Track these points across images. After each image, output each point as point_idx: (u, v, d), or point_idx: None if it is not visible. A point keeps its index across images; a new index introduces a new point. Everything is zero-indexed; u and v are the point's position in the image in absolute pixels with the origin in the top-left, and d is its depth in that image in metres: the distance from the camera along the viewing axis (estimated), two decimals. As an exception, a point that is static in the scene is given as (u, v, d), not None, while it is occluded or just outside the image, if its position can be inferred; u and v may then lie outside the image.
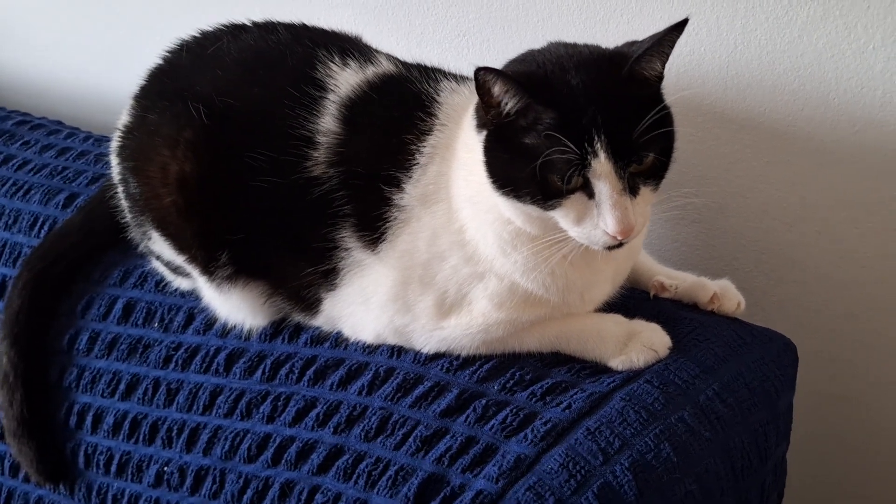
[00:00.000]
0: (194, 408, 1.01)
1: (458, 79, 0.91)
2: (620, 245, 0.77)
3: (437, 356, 0.90)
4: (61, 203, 1.26)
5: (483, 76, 0.74)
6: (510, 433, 0.82)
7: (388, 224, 0.86)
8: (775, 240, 1.10)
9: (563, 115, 0.73)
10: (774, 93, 1.05)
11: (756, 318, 0.95)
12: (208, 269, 0.94)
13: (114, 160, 1.01)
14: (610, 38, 0.86)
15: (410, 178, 0.85)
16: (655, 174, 0.77)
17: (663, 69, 0.78)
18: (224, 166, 0.90)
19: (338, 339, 0.96)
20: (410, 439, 0.86)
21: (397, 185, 0.85)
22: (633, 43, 0.79)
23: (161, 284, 1.11)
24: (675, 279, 0.94)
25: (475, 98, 0.85)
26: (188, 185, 0.90)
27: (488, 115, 0.78)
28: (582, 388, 0.84)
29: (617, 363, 0.86)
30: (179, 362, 1.04)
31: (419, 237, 0.86)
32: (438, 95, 0.88)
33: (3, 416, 1.11)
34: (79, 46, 1.63)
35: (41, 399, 1.12)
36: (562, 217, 0.76)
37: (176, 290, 1.09)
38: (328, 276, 0.90)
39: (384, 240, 0.87)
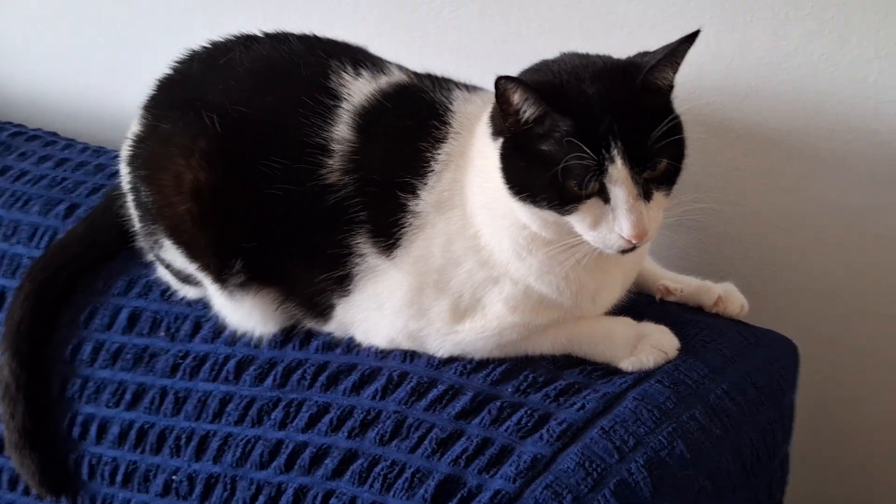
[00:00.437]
0: (203, 416, 1.01)
1: (470, 88, 0.94)
2: (633, 249, 0.80)
3: (450, 360, 0.91)
4: (62, 214, 1.26)
5: (504, 84, 0.76)
6: (525, 434, 0.84)
7: (403, 230, 0.87)
8: (771, 246, 1.13)
9: (580, 123, 0.76)
10: (771, 103, 1.08)
11: (755, 320, 0.98)
12: (221, 277, 0.95)
13: (124, 169, 1.01)
14: (610, 52, 0.89)
15: (426, 184, 0.87)
16: (668, 180, 0.79)
17: (674, 79, 0.81)
18: (238, 175, 0.91)
19: (350, 345, 0.97)
20: (426, 442, 0.87)
21: (413, 191, 0.87)
22: (646, 54, 0.82)
23: (167, 294, 1.11)
24: (680, 283, 0.96)
25: (487, 107, 0.87)
26: (203, 194, 0.91)
27: (506, 123, 0.80)
28: (595, 388, 0.86)
29: (627, 364, 0.88)
30: (188, 371, 1.04)
31: (434, 243, 0.87)
32: (452, 104, 0.89)
33: (4, 428, 1.10)
34: (72, 58, 1.63)
35: (43, 411, 1.12)
36: (578, 222, 0.78)
37: (182, 299, 1.10)
38: (342, 282, 0.91)
39: (399, 245, 0.88)
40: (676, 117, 0.79)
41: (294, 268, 0.93)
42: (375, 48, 1.04)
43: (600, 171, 0.76)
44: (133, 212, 1.03)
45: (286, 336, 1.01)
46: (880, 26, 0.99)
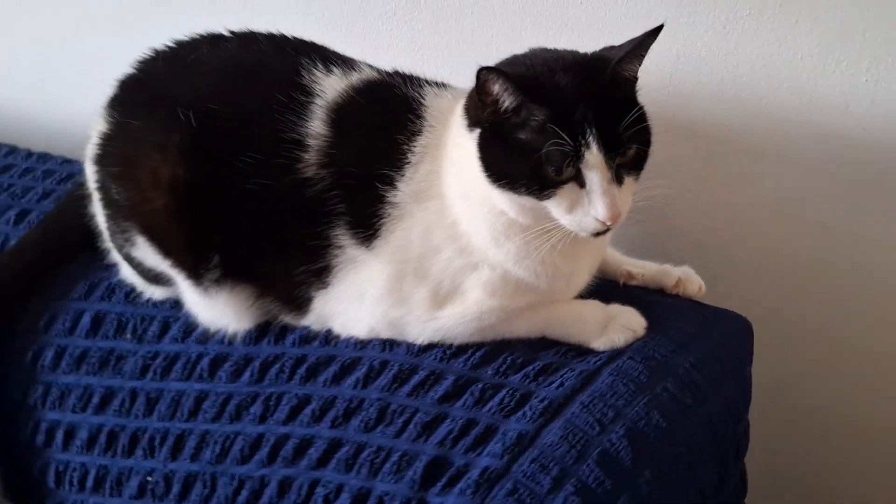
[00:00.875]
0: (178, 415, 1.00)
1: (439, 85, 0.97)
2: (606, 231, 0.84)
3: (429, 347, 0.94)
4: (12, 220, 1.23)
5: (485, 75, 0.79)
6: (508, 413, 0.87)
7: (381, 221, 0.90)
8: (716, 235, 1.20)
9: (556, 113, 0.80)
10: (713, 100, 1.15)
11: (710, 300, 1.04)
12: (196, 273, 0.95)
13: (90, 168, 1.00)
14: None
15: (403, 176, 0.90)
16: (637, 165, 0.84)
17: (637, 71, 0.86)
18: (214, 170, 0.92)
19: (327, 337, 0.98)
20: (411, 426, 0.89)
21: (390, 183, 0.89)
22: (612, 48, 0.87)
23: (131, 295, 1.10)
24: (642, 268, 1.01)
25: (458, 101, 0.91)
26: (179, 188, 0.91)
27: (484, 113, 0.83)
28: (571, 367, 0.90)
29: (599, 344, 0.92)
30: (158, 371, 1.04)
31: (413, 232, 0.90)
32: (424, 99, 0.93)
33: (-38, 440, 1.07)
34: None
35: (3, 420, 1.09)
36: (555, 206, 0.83)
37: (149, 300, 1.09)
38: (320, 274, 0.93)
39: (378, 236, 0.90)
40: (642, 107, 0.84)
41: (271, 262, 0.94)
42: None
43: (577, 157, 0.80)
44: (100, 211, 1.02)
45: (261, 332, 1.01)
46: (813, 26, 1.07)
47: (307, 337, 0.99)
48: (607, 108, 0.81)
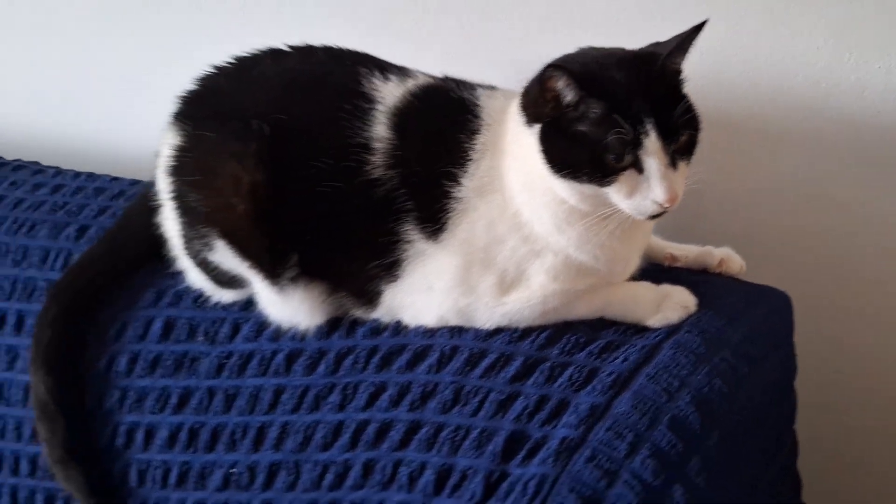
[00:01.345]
0: (257, 409, 1.06)
1: (487, 87, 1.04)
2: (662, 214, 0.91)
3: (496, 332, 1.00)
4: (73, 236, 1.28)
5: (552, 72, 0.86)
6: (579, 387, 0.93)
7: (448, 215, 0.96)
8: (738, 219, 1.28)
9: (615, 105, 0.87)
10: (732, 93, 1.23)
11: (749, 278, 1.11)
12: (275, 273, 1.01)
13: (165, 179, 1.06)
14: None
15: (466, 172, 0.96)
16: (688, 150, 0.91)
17: (682, 64, 0.94)
18: (289, 175, 0.98)
19: (397, 328, 1.04)
20: (486, 404, 0.95)
21: (454, 179, 0.96)
22: (659, 44, 0.94)
23: (199, 300, 1.15)
24: (684, 250, 1.09)
25: (510, 101, 0.98)
26: (259, 194, 0.97)
27: (545, 109, 0.90)
28: (633, 343, 0.97)
29: (654, 322, 0.99)
30: (234, 369, 1.09)
31: (478, 224, 0.96)
32: (478, 100, 0.99)
33: (44, 446, 1.12)
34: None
35: (82, 426, 1.13)
36: (615, 192, 0.89)
37: (216, 304, 1.14)
38: (391, 268, 0.99)
39: (445, 230, 0.97)
40: (689, 97, 0.91)
41: (344, 259, 1.01)
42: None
43: (636, 144, 0.87)
44: (174, 219, 1.07)
45: (331, 327, 1.07)
46: (825, 19, 1.16)
47: (377, 329, 1.05)
48: (661, 99, 0.88)
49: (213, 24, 1.47)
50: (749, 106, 1.24)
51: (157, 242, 1.15)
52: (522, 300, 0.97)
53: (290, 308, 1.04)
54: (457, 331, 1.02)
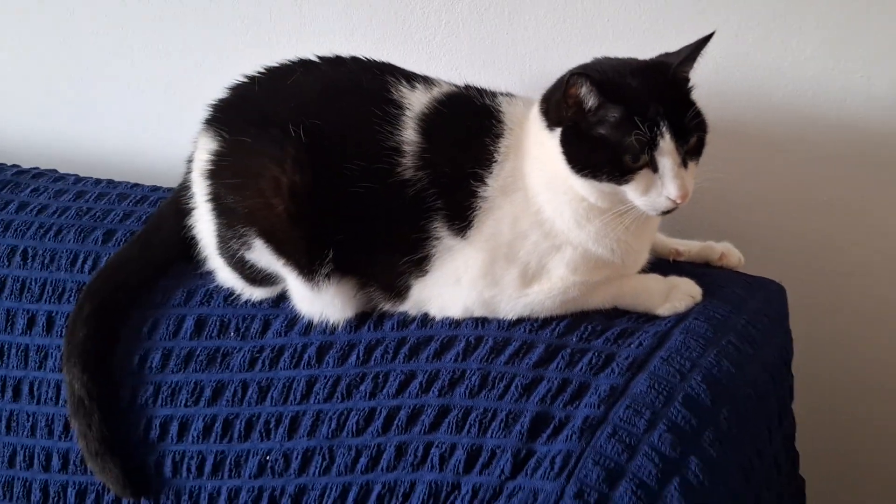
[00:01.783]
0: (290, 399, 1.11)
1: (507, 94, 1.11)
2: (673, 210, 0.99)
3: (518, 321, 1.07)
4: (100, 239, 1.32)
5: (575, 79, 0.94)
6: (597, 371, 1.01)
7: (474, 213, 1.04)
8: (733, 218, 1.36)
9: (633, 109, 0.95)
10: (729, 100, 1.32)
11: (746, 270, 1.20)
12: (311, 269, 1.07)
13: (202, 182, 1.11)
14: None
15: (491, 173, 1.04)
16: (698, 151, 1.00)
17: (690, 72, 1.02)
18: (325, 177, 1.05)
19: (423, 321, 1.11)
20: (512, 389, 1.02)
21: (480, 179, 1.03)
22: (669, 54, 1.03)
23: (230, 298, 1.20)
24: (687, 246, 1.17)
25: (529, 108, 1.06)
26: (298, 194, 1.03)
27: (567, 113, 0.98)
28: (645, 330, 1.04)
29: (663, 310, 1.07)
30: (266, 363, 1.15)
31: (503, 221, 1.04)
32: (500, 107, 1.07)
33: (80, 440, 1.16)
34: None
35: (115, 420, 1.18)
36: (632, 190, 0.97)
37: (246, 301, 1.20)
38: (420, 263, 1.06)
39: (472, 227, 1.04)
40: (696, 102, 1.00)
41: (376, 255, 1.07)
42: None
43: (652, 145, 0.95)
44: (209, 220, 1.13)
45: (360, 321, 1.13)
46: (814, 33, 1.25)
47: (404, 321, 1.11)
48: (673, 104, 0.97)
49: (226, 38, 1.53)
50: (745, 112, 1.33)
51: (188, 244, 1.21)
52: (544, 291, 1.04)
53: (322, 303, 1.10)
54: (481, 321, 1.09)
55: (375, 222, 1.06)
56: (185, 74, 1.58)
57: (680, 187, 0.96)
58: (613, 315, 1.08)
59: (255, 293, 1.18)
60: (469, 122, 1.06)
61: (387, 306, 1.11)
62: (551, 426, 0.98)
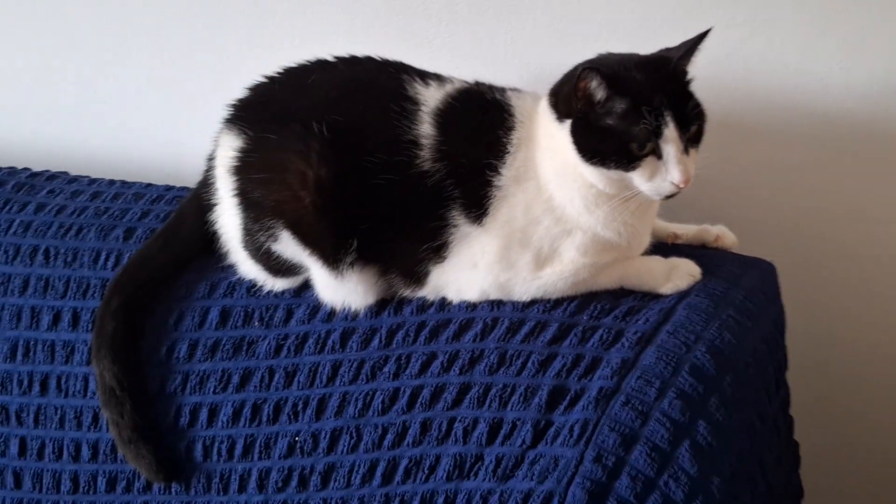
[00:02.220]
0: (317, 383, 1.17)
1: (514, 89, 1.18)
2: (676, 194, 1.07)
3: (531, 303, 1.14)
4: (121, 237, 1.36)
5: (586, 73, 1.02)
6: (608, 346, 1.08)
7: (490, 201, 1.10)
8: (723, 203, 1.44)
9: (639, 100, 1.02)
10: (717, 94, 1.39)
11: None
12: (336, 258, 1.13)
13: (230, 178, 1.17)
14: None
15: (504, 163, 1.11)
16: (698, 139, 1.07)
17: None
18: (348, 170, 1.11)
19: (441, 305, 1.17)
20: (529, 365, 1.08)
21: (495, 169, 1.10)
22: (669, 49, 1.10)
23: (253, 289, 1.26)
24: (684, 229, 1.25)
25: (537, 101, 1.13)
26: (324, 187, 1.10)
27: (577, 106, 1.05)
28: (651, 307, 1.12)
29: (666, 289, 1.14)
30: (292, 349, 1.20)
31: (516, 208, 1.11)
32: (510, 101, 1.14)
33: (112, 429, 1.21)
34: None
35: (145, 409, 1.23)
36: (638, 176, 1.05)
37: (269, 292, 1.25)
38: (439, 250, 1.12)
39: (487, 214, 1.11)
40: (695, 93, 1.08)
41: (397, 243, 1.14)
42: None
43: (657, 134, 1.03)
44: (235, 215, 1.19)
45: (380, 307, 1.19)
46: (795, 29, 1.34)
47: (423, 306, 1.18)
48: (675, 95, 1.04)
49: (232, 40, 1.58)
50: (731, 104, 1.41)
51: (209, 240, 1.26)
52: (556, 274, 1.12)
53: (346, 290, 1.16)
54: (496, 304, 1.15)
55: (396, 212, 1.12)
56: (185, 75, 1.62)
57: (683, 172, 1.03)
58: (620, 295, 1.15)
59: (278, 284, 1.23)
60: (482, 116, 1.13)
61: (406, 292, 1.17)
62: (567, 398, 1.05)
